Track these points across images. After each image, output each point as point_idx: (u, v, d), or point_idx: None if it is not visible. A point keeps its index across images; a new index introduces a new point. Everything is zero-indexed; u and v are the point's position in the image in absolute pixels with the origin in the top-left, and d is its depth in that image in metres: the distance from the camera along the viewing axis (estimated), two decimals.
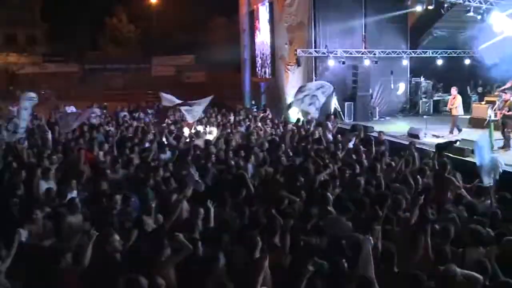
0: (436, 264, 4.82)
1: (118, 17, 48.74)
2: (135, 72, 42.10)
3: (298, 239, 5.44)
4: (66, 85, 39.89)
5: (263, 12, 25.11)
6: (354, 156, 10.22)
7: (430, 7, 16.61)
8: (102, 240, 5.22)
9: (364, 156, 10.14)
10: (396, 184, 8.20)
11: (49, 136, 12.44)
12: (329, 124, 14.38)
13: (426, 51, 20.98)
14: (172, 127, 15.04)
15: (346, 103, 19.63)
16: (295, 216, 6.26)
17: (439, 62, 21.01)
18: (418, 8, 17.79)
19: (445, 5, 16.98)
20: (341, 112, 19.38)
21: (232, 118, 18.53)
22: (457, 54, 21.04)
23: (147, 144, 11.84)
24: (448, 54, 20.99)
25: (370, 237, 4.76)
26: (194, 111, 13.84)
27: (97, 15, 46.80)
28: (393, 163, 9.54)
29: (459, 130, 15.44)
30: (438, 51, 20.83)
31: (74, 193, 7.64)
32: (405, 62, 21.00)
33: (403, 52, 20.58)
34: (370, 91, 20.19)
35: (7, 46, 48.20)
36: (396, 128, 17.16)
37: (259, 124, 16.42)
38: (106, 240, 5.21)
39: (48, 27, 52.40)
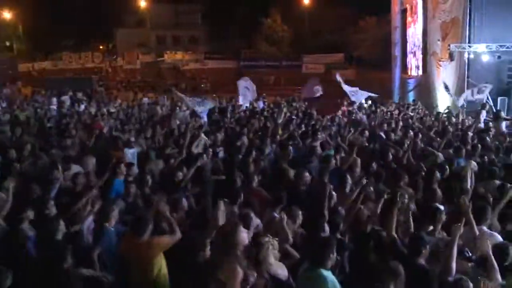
0: None
1: (273, 18, 51.56)
2: (287, 69, 44.02)
3: None
4: (223, 79, 43.36)
5: (416, 9, 25.50)
6: None
7: None
8: None
9: None
10: None
11: None
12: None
13: None
14: None
15: (499, 98, 19.43)
16: None
17: None
18: None
19: None
20: (492, 106, 19.27)
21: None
22: None
23: None
24: None
25: None
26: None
27: (253, 16, 50.22)
28: None
29: None
30: None
31: None
32: None
33: None
34: None
35: (174, 46, 54.11)
36: None
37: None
38: None
39: (208, 29, 57.65)
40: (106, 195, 7.50)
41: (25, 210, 6.25)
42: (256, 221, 5.91)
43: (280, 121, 13.18)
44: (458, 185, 7.45)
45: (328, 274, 4.52)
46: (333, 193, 6.83)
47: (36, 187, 7.31)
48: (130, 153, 10.55)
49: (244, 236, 4.73)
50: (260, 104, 21.36)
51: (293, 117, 15.61)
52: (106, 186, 7.88)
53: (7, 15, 51.72)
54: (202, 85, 41.78)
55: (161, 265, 5.33)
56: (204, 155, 9.24)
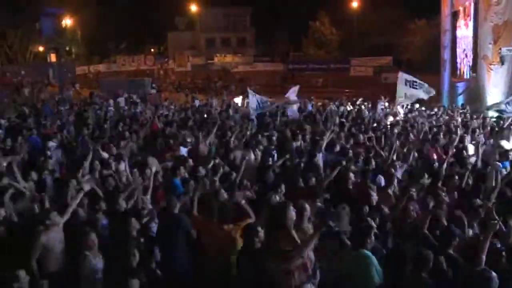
0: None
1: (321, 20, 51.81)
2: (335, 72, 44.14)
3: None
4: (271, 82, 44.03)
5: (469, 11, 25.26)
6: None
7: None
8: None
9: None
10: None
11: None
12: None
13: None
14: None
15: None
16: None
17: None
18: None
19: None
20: None
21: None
22: None
23: None
24: None
25: None
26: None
27: (301, 19, 50.66)
28: None
29: None
30: None
31: None
32: None
33: None
34: None
35: (223, 49, 55.24)
36: None
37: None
38: None
39: (257, 31, 58.60)
40: (167, 193, 8.24)
41: (99, 202, 7.20)
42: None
43: (330, 125, 13.78)
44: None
45: (368, 253, 5.43)
46: (373, 192, 7.53)
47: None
48: (185, 152, 11.34)
49: (293, 213, 5.19)
50: (309, 107, 21.81)
51: (343, 120, 16.10)
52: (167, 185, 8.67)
53: (68, 21, 54.22)
54: (251, 88, 42.42)
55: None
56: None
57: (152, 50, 61.93)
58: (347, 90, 37.06)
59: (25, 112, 19.05)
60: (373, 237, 5.64)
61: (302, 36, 53.41)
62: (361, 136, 12.64)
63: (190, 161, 9.90)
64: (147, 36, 59.58)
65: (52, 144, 12.10)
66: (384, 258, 5.78)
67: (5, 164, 9.18)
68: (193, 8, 56.50)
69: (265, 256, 4.95)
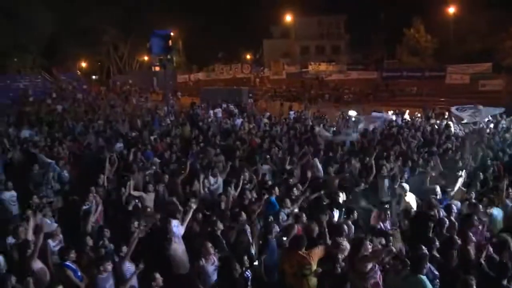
0: None
1: (416, 28, 51.10)
2: (430, 80, 43.38)
3: None
4: (365, 90, 44.20)
5: None
6: None
7: None
8: None
9: None
10: None
11: None
12: None
13: None
14: None
15: None
16: None
17: None
18: None
19: None
20: None
21: None
22: None
23: None
24: None
25: None
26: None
27: (395, 26, 50.28)
28: None
29: None
30: None
31: None
32: None
33: None
34: None
35: (317, 56, 56.20)
36: None
37: None
38: None
39: (351, 39, 58.90)
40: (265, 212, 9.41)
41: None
42: None
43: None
44: None
45: (424, 278, 6.28)
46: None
47: None
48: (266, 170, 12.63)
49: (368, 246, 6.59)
50: (398, 121, 22.11)
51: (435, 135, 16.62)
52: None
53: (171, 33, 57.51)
54: (345, 96, 43.07)
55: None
56: None
57: (248, 56, 63.92)
58: (442, 99, 36.55)
59: (138, 126, 21.03)
60: (428, 264, 6.46)
61: (397, 43, 53.06)
62: None
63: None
64: (244, 44, 61.71)
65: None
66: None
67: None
68: (288, 18, 57.89)
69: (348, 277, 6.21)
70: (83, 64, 65.18)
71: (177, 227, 8.05)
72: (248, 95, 38.49)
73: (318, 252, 6.95)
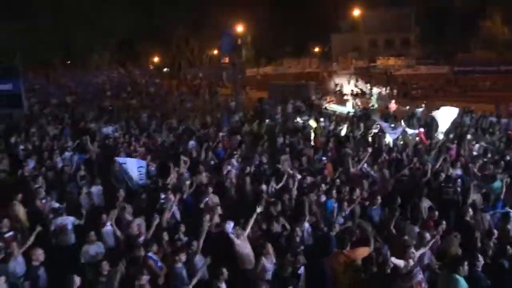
0: None
1: (492, 19, 49.15)
2: (505, 74, 41.72)
3: None
4: (434, 85, 43.14)
5: None
6: None
7: None
8: None
9: None
10: None
11: None
12: None
13: None
14: None
15: None
16: None
17: None
18: None
19: None
20: None
21: None
22: None
23: None
24: None
25: None
26: None
27: (469, 18, 48.46)
28: None
29: None
30: None
31: None
32: None
33: None
34: None
35: (386, 50, 55.33)
36: None
37: None
38: None
39: (421, 32, 57.36)
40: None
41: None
42: None
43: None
44: None
45: (460, 278, 6.76)
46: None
47: None
48: None
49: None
50: (466, 120, 21.67)
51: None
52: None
53: (240, 28, 58.71)
54: (413, 92, 42.25)
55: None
56: None
57: (317, 50, 63.86)
58: None
59: (207, 122, 21.83)
60: (466, 267, 6.84)
61: (471, 35, 51.27)
62: None
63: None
64: (312, 38, 61.72)
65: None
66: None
67: None
68: (356, 12, 57.40)
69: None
70: (155, 59, 67.78)
71: (232, 228, 8.66)
72: (315, 91, 38.50)
73: (362, 251, 7.58)
